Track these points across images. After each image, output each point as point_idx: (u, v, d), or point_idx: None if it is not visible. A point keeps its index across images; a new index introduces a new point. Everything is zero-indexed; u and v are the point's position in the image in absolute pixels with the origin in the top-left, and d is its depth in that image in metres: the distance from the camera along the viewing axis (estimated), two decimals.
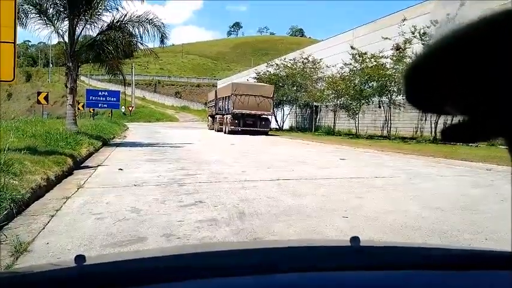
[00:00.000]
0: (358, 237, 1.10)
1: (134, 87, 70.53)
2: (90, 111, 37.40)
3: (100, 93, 32.17)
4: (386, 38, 19.63)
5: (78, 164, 8.92)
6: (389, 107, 21.52)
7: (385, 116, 22.00)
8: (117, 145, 14.95)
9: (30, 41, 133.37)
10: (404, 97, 0.43)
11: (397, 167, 9.53)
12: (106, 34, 14.15)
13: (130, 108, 59.60)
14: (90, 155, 10.80)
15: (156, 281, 0.88)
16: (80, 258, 0.94)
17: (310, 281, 0.94)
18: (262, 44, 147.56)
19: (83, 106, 33.62)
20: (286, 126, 34.83)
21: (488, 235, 3.92)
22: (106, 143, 15.06)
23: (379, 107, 22.59)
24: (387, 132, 21.83)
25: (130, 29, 14.24)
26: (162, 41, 14.88)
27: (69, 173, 7.63)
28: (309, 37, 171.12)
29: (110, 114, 39.09)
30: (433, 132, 18.88)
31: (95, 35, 14.30)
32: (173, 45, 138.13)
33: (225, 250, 1.35)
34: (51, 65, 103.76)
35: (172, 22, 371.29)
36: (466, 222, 4.43)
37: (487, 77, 0.34)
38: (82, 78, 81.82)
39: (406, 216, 4.65)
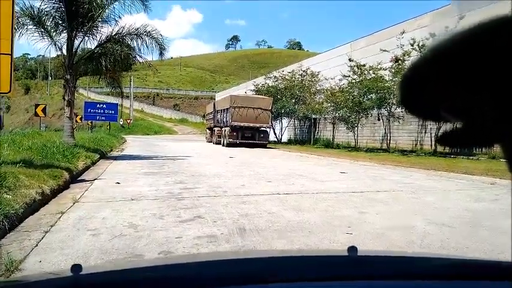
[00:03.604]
0: (355, 247, 1.10)
1: (133, 99, 70.47)
2: (88, 124, 37.36)
3: (98, 105, 32.06)
4: (385, 51, 19.60)
5: (75, 177, 8.78)
6: (389, 120, 21.44)
7: (384, 129, 21.90)
8: (115, 158, 14.82)
9: (29, 54, 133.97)
10: (400, 103, 0.41)
11: (398, 181, 9.40)
12: (104, 47, 14.08)
13: (128, 121, 59.55)
14: (87, 168, 10.66)
15: None
16: (76, 268, 0.93)
17: None
18: (260, 57, 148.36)
19: (81, 119, 33.48)
20: (284, 138, 34.75)
21: (499, 255, 3.77)
22: (104, 156, 14.93)
23: (378, 119, 22.51)
24: (386, 145, 21.72)
25: (129, 42, 14.18)
26: (161, 54, 14.80)
27: (65, 186, 7.48)
28: (307, 50, 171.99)
29: (108, 127, 38.97)
30: (433, 145, 18.79)
31: (93, 47, 14.26)
32: (172, 58, 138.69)
33: (222, 260, 1.37)
34: (50, 78, 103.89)
35: (172, 36, 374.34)
36: (474, 239, 4.30)
37: (483, 82, 0.33)
38: (81, 91, 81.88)
39: (411, 232, 4.52)
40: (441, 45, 0.34)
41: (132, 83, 71.59)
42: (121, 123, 58.32)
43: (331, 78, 27.21)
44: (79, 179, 8.91)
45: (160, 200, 6.33)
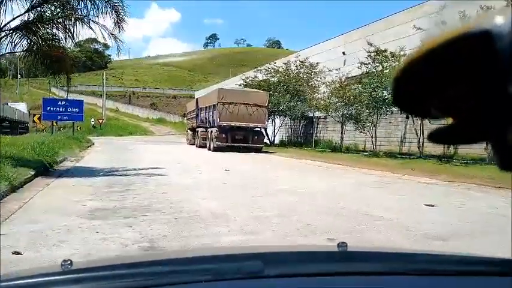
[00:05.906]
0: (345, 243, 1.10)
1: (106, 98, 65.23)
2: (54, 125, 32.15)
3: (59, 103, 27.06)
4: (419, 29, 15.49)
5: None
6: (421, 119, 17.24)
7: (415, 129, 17.59)
8: (60, 174, 10.17)
9: None
10: (392, 100, 0.42)
11: None
12: (39, 11, 9.44)
13: (100, 121, 54.51)
14: None
15: (144, 286, 0.88)
16: (66, 263, 0.95)
17: (297, 286, 0.95)
18: (239, 55, 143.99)
19: (39, 118, 28.39)
20: (276, 140, 30.23)
21: None
22: (46, 171, 10.26)
23: (407, 117, 18.31)
24: (418, 149, 17.32)
25: (76, 5, 9.54)
26: (117, 24, 10.32)
27: None
28: (286, 49, 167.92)
29: (73, 128, 33.69)
30: (488, 152, 14.52)
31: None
32: (149, 56, 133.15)
33: (212, 255, 1.34)
34: (19, 76, 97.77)
35: (151, 34, 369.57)
36: None
37: (469, 82, 0.34)
38: (53, 89, 76.27)
39: None
40: (432, 43, 0.34)
41: (104, 80, 66.75)
42: (92, 123, 53.35)
43: (336, 69, 23.11)
44: None
45: None
